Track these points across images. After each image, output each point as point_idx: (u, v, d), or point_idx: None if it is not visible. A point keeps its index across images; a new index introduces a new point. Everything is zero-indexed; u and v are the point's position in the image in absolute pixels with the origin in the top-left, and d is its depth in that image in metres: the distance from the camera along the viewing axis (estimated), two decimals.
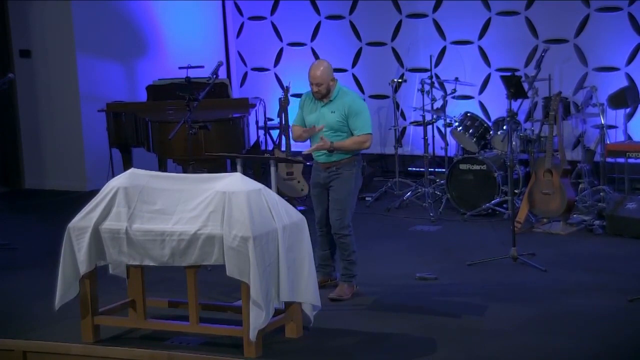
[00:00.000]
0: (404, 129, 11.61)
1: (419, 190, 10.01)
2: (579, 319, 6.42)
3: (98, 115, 10.45)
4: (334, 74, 7.06)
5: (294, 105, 10.19)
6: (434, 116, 10.24)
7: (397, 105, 10.90)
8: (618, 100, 9.75)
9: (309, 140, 7.12)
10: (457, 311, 6.64)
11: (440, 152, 10.82)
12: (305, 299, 6.12)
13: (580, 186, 9.46)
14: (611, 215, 8.58)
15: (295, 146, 10.17)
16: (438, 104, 10.34)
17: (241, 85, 12.74)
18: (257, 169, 10.25)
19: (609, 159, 9.45)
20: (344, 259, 7.04)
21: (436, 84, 10.53)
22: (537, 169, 8.83)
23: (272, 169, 7.01)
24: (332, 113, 6.88)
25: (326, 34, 12.00)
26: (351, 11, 11.84)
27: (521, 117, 9.83)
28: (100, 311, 6.30)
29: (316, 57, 11.93)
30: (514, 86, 8.64)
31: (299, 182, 9.67)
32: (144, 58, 11.79)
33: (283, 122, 9.91)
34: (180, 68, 10.00)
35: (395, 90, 10.84)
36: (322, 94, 6.89)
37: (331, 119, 6.88)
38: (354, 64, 11.88)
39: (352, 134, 6.90)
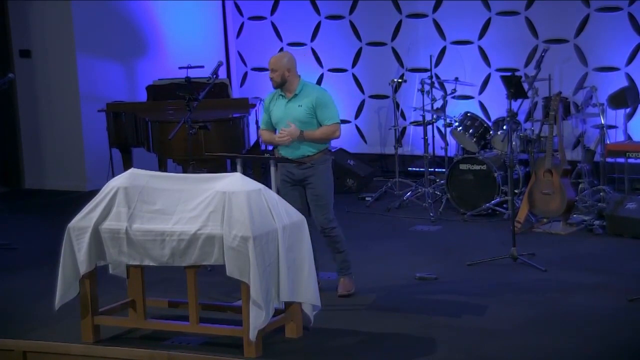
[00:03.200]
0: (404, 129, 11.61)
1: (419, 190, 10.01)
2: (579, 319, 6.42)
3: (98, 115, 10.45)
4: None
5: None
6: (434, 116, 10.25)
7: (397, 105, 10.90)
8: (618, 100, 9.75)
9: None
10: (457, 311, 6.64)
11: (440, 152, 10.82)
12: (305, 299, 6.12)
13: (580, 186, 9.46)
14: (611, 215, 8.58)
15: None
16: (438, 104, 10.34)
17: (241, 85, 12.75)
18: (257, 169, 10.25)
19: (609, 159, 9.45)
20: (337, 252, 7.06)
21: (436, 84, 10.53)
22: (537, 169, 8.83)
23: (272, 169, 7.01)
24: (299, 107, 6.89)
25: (326, 34, 12.00)
26: (351, 11, 11.84)
27: (521, 117, 9.82)
28: (100, 311, 6.29)
29: (316, 57, 11.93)
30: (514, 86, 8.63)
31: None
32: (144, 58, 11.80)
33: None
34: (180, 68, 10.00)
35: (395, 90, 10.84)
36: (276, 82, 6.88)
37: (299, 112, 6.88)
38: (354, 64, 11.88)
39: (320, 126, 6.91)
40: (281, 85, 6.90)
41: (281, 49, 12.28)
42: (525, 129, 9.62)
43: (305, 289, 6.09)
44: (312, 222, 6.96)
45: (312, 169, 6.93)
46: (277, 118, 6.95)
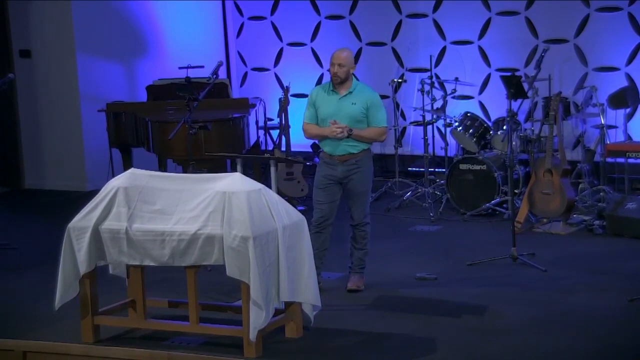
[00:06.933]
0: (404, 129, 11.61)
1: (419, 190, 10.01)
2: (579, 319, 6.42)
3: (98, 115, 10.44)
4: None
5: (294, 105, 10.22)
6: (434, 116, 10.24)
7: (397, 105, 10.90)
8: (618, 100, 9.75)
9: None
10: (457, 311, 6.64)
11: (440, 152, 10.82)
12: (305, 299, 6.12)
13: (580, 186, 9.46)
14: (611, 215, 8.58)
15: (296, 146, 10.17)
16: (438, 104, 10.34)
17: (241, 85, 12.74)
18: (257, 169, 10.25)
19: (609, 159, 9.46)
20: (360, 248, 7.14)
21: (436, 84, 10.53)
22: (537, 169, 8.83)
23: (272, 169, 7.01)
24: (353, 104, 6.93)
25: (326, 34, 11.99)
26: (351, 11, 11.84)
27: (521, 117, 9.83)
28: (100, 311, 6.29)
29: (316, 57, 11.92)
30: (514, 86, 8.64)
31: (299, 182, 9.67)
32: (144, 58, 11.79)
33: (283, 122, 9.91)
34: (180, 68, 10.00)
35: (395, 90, 10.84)
36: (340, 79, 6.92)
37: (353, 109, 6.92)
38: None
39: (367, 126, 6.96)
40: (344, 81, 6.94)
41: (281, 49, 12.29)
42: (525, 129, 9.62)
43: (305, 289, 6.09)
44: (333, 221, 7.08)
45: (356, 167, 6.98)
46: (328, 113, 6.95)
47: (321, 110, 7.00)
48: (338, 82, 6.94)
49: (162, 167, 9.77)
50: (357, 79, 7.23)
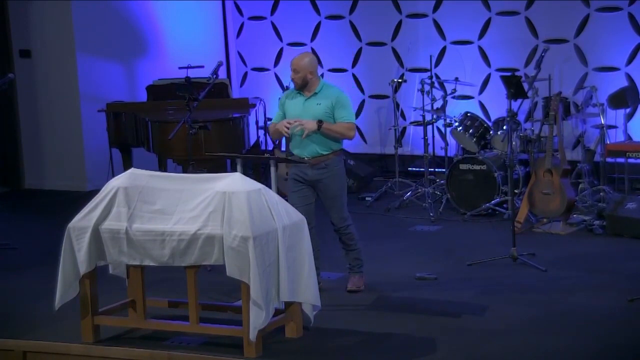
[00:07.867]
0: (404, 129, 11.61)
1: (419, 190, 10.01)
2: (579, 319, 6.42)
3: (98, 115, 10.45)
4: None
5: None
6: (434, 116, 10.25)
7: (397, 105, 10.90)
8: (618, 100, 9.75)
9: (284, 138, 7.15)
10: (457, 311, 6.64)
11: (440, 152, 10.83)
12: (305, 299, 6.12)
13: (580, 186, 9.47)
14: (611, 215, 8.58)
15: None
16: (438, 104, 10.34)
17: (241, 85, 12.75)
18: (257, 169, 10.25)
19: (609, 159, 9.46)
20: (350, 249, 7.13)
21: (436, 84, 10.53)
22: (537, 169, 8.83)
23: (272, 169, 7.01)
24: (318, 105, 6.93)
25: (326, 34, 12.00)
26: (351, 11, 11.84)
27: (521, 117, 9.83)
28: (100, 311, 6.30)
29: (317, 57, 11.90)
30: (514, 86, 8.64)
31: None
32: (144, 58, 11.80)
33: None
34: (180, 68, 10.00)
35: (395, 90, 10.84)
36: (297, 84, 6.94)
37: (318, 110, 6.92)
38: (354, 64, 11.88)
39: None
40: (302, 87, 6.95)
41: (281, 49, 12.30)
42: (525, 129, 9.62)
43: (305, 289, 6.09)
44: (316, 222, 7.02)
45: (327, 170, 6.96)
46: (294, 115, 6.96)
47: (288, 113, 7.02)
48: (296, 88, 6.98)
49: (162, 167, 9.77)
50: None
